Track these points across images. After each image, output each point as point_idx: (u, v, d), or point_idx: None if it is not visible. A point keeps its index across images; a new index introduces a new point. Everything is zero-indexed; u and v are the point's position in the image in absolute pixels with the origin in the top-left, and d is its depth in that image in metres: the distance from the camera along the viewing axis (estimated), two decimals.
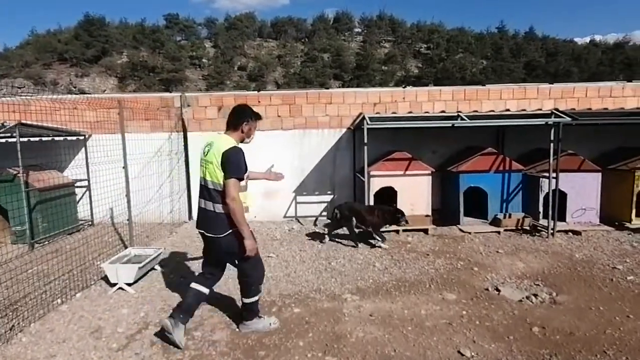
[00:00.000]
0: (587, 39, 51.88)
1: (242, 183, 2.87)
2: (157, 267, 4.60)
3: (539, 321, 3.21)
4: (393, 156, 6.07)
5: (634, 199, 5.81)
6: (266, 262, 4.79)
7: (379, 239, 5.30)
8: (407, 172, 5.97)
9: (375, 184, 5.99)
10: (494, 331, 3.09)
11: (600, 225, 5.86)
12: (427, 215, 5.96)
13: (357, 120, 6.72)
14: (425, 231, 5.88)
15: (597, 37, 57.10)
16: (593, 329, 3.07)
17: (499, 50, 45.46)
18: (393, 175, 5.95)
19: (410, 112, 6.54)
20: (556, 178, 5.47)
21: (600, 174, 5.86)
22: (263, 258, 4.86)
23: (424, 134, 6.80)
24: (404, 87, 7.15)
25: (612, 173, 6.01)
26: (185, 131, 7.13)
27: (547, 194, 5.69)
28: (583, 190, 5.86)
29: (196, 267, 4.66)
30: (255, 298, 3.07)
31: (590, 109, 6.46)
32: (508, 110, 6.53)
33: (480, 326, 3.17)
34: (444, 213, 6.60)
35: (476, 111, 6.53)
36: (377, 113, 6.64)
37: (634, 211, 5.84)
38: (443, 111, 6.59)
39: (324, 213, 7.15)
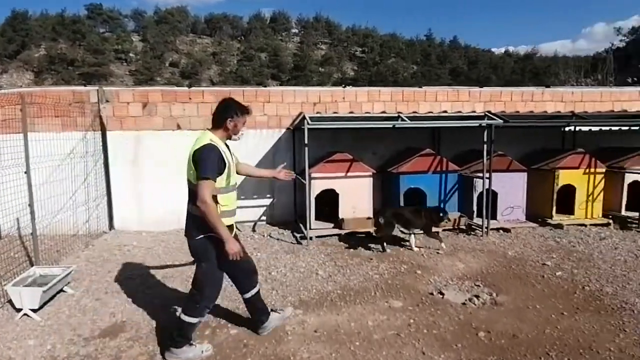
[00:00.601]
0: (502, 50, 56.99)
1: (224, 184, 2.64)
2: (67, 288, 3.92)
3: (484, 325, 3.18)
4: (334, 157, 5.89)
5: (555, 196, 6.23)
6: None
7: (437, 240, 5.14)
8: (349, 174, 5.82)
9: (317, 187, 5.76)
10: (443, 340, 2.98)
11: (527, 222, 6.20)
12: (369, 218, 5.85)
13: (297, 120, 6.45)
14: (368, 234, 5.77)
15: (511, 48, 63.04)
16: (534, 330, 3.10)
17: (428, 57, 48.18)
18: (334, 177, 5.77)
19: (351, 112, 6.42)
20: (489, 178, 5.66)
21: (526, 173, 6.20)
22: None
23: (364, 135, 6.72)
24: (343, 87, 7.01)
25: (535, 172, 6.39)
26: (104, 130, 6.32)
27: (481, 193, 5.89)
28: (511, 189, 6.15)
29: (117, 286, 4.05)
30: (195, 320, 2.74)
31: (518, 111, 6.83)
32: (445, 111, 6.68)
33: (429, 335, 3.05)
34: None
35: (415, 112, 6.59)
36: (317, 113, 6.41)
37: (554, 208, 6.26)
38: (384, 112, 6.56)
39: (263, 218, 6.77)
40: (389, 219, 5.06)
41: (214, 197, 2.52)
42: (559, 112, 6.87)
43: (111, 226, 6.43)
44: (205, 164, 2.47)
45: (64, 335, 3.12)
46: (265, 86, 7.14)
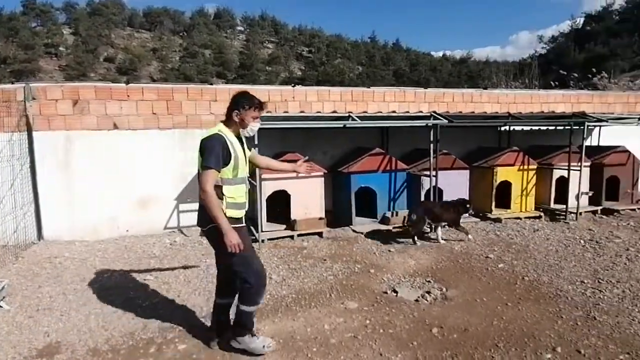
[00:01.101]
0: (441, 53, 60.10)
1: (230, 175, 2.60)
2: (3, 303, 3.54)
3: (437, 321, 3.25)
4: (285, 158, 5.75)
5: (494, 192, 6.61)
6: (142, 287, 4.02)
7: (464, 232, 5.40)
8: (300, 175, 5.72)
9: (268, 188, 5.61)
10: (399, 339, 3.00)
11: (469, 217, 6.51)
12: (320, 218, 5.82)
13: None
14: (320, 234, 5.74)
15: (448, 52, 66.68)
16: (482, 322, 3.22)
17: (372, 58, 49.50)
18: (286, 178, 5.65)
19: (302, 112, 6.33)
20: (436, 176, 5.87)
21: (468, 171, 6.52)
22: (139, 280, 4.08)
23: (315, 135, 6.68)
24: (293, 86, 6.92)
25: (476, 170, 6.74)
26: (30, 130, 5.68)
27: (428, 190, 6.09)
28: (456, 186, 6.43)
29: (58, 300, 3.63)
30: (253, 308, 2.72)
31: (460, 112, 7.17)
32: (394, 111, 6.82)
33: (385, 335, 3.06)
34: (336, 214, 6.58)
35: (365, 112, 6.66)
36: (267, 112, 6.25)
37: (494, 203, 6.64)
38: (334, 111, 6.55)
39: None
40: (421, 215, 5.28)
41: (219, 188, 2.54)
42: (496, 112, 7.31)
43: (40, 236, 5.80)
44: (209, 153, 2.48)
45: (7, 352, 2.85)
46: (210, 84, 6.82)
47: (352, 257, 4.89)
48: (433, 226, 5.56)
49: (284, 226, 5.79)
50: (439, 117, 5.79)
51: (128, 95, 5.94)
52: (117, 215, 5.99)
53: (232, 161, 2.56)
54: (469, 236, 5.42)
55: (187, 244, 5.59)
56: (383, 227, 6.01)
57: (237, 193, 2.63)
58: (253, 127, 2.71)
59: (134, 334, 3.12)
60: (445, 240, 5.41)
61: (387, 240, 5.51)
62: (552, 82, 23.43)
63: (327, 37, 53.26)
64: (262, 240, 5.35)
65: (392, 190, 6.27)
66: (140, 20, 46.04)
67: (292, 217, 5.69)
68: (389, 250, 5.11)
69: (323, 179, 5.88)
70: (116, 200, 5.97)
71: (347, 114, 5.86)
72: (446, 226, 5.62)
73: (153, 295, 3.84)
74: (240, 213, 2.69)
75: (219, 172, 2.51)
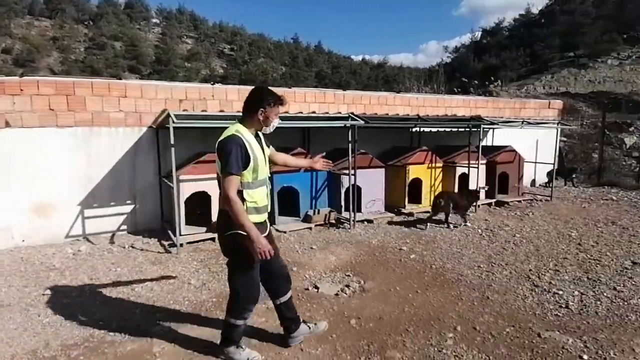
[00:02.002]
0: (360, 57, 62.76)
1: (250, 178, 2.46)
2: None
3: (355, 312, 3.43)
4: (205, 158, 5.58)
5: (407, 189, 7.12)
6: (41, 302, 3.61)
7: (464, 219, 6.28)
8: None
9: (186, 190, 5.38)
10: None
11: (386, 212, 6.94)
12: None
13: (161, 118, 5.91)
14: None
15: (367, 56, 69.95)
16: (395, 310, 3.48)
17: (295, 59, 49.89)
18: (206, 179, 5.47)
19: (221, 111, 6.17)
20: (354, 174, 6.14)
21: (384, 169, 6.93)
22: (39, 294, 3.64)
23: None
24: (212, 85, 6.71)
25: (391, 168, 7.20)
26: None
27: (347, 188, 6.35)
28: (373, 184, 6.81)
29: None
30: (238, 322, 2.64)
31: (376, 113, 7.58)
32: (314, 112, 6.97)
33: None
34: None
35: (287, 112, 6.71)
36: (184, 110, 5.99)
37: (407, 199, 7.16)
38: None
39: (124, 227, 6.01)
40: (447, 201, 6.15)
41: (240, 193, 2.40)
42: (407, 114, 7.87)
43: None
44: (229, 157, 2.33)
45: None
46: (120, 78, 6.32)
47: None
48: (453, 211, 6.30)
49: (205, 229, 5.60)
50: (356, 118, 6.07)
51: (21, 90, 5.26)
52: (10, 224, 5.28)
53: (251, 163, 2.42)
54: (468, 223, 6.27)
55: (94, 253, 5.13)
56: (306, 225, 6.13)
57: (258, 196, 2.51)
58: (274, 124, 2.58)
59: (36, 352, 2.81)
60: (470, 224, 6.30)
61: (309, 237, 5.64)
62: (455, 89, 25.91)
63: (250, 35, 52.43)
64: (181, 245, 5.12)
65: (314, 189, 6.42)
66: (41, 7, 40.81)
67: (214, 219, 5.53)
68: (312, 248, 5.24)
69: None
70: (9, 207, 5.26)
71: None
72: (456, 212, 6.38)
73: (55, 310, 3.47)
74: (262, 217, 2.58)
75: (240, 176, 2.38)
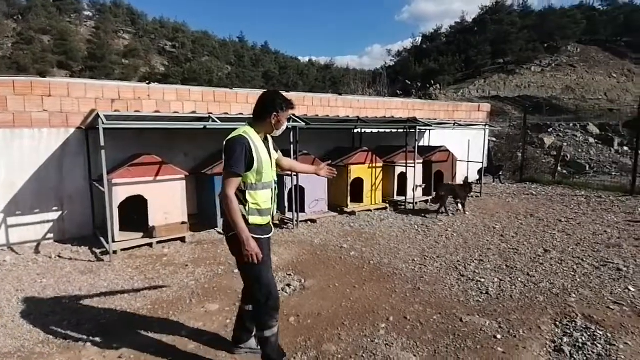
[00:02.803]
0: (307, 59, 63.19)
1: (254, 180, 2.42)
2: None
3: (294, 310, 3.50)
4: (140, 161, 5.37)
5: (349, 188, 7.34)
6: None
7: (462, 207, 7.15)
8: (158, 178, 5.41)
9: (120, 194, 5.14)
10: None
11: (329, 212, 7.11)
12: (183, 223, 5.60)
13: (91, 119, 5.58)
14: (183, 239, 5.52)
15: (314, 58, 70.55)
16: (333, 305, 3.60)
17: (241, 59, 49.07)
18: (141, 182, 5.27)
19: (157, 112, 5.96)
20: (297, 175, 6.22)
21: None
22: None
23: (175, 136, 6.38)
24: (148, 84, 6.45)
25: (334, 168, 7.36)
26: None
27: (291, 189, 6.42)
28: (316, 184, 6.93)
29: None
30: (270, 332, 2.55)
31: (317, 115, 7.72)
32: None
33: None
34: (200, 217, 6.41)
35: (227, 113, 6.63)
36: (116, 111, 5.70)
37: (349, 198, 7.38)
38: (194, 112, 6.34)
39: (50, 235, 5.60)
40: (447, 192, 7.05)
41: (242, 193, 2.40)
42: (348, 116, 8.11)
43: None
44: (232, 156, 2.33)
45: None
46: (43, 76, 5.88)
47: (216, 259, 4.85)
48: (454, 201, 7.30)
49: (142, 234, 5.39)
50: (297, 119, 6.15)
51: None
52: None
53: (255, 165, 2.38)
54: (467, 213, 7.12)
55: (19, 263, 4.74)
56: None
57: (261, 198, 2.45)
58: (283, 127, 2.55)
59: None
60: (468, 213, 7.17)
61: None
62: (398, 91, 26.97)
63: (193, 32, 50.71)
64: (114, 252, 4.88)
65: None
66: None
67: (151, 223, 5.34)
68: None
69: (184, 181, 5.67)
70: None
71: (207, 115, 5.76)
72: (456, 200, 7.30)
73: None
74: (264, 220, 2.51)
75: (242, 176, 2.36)
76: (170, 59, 43.47)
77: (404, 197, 7.66)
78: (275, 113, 2.45)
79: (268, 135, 2.57)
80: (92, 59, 35.37)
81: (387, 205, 7.61)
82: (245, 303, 2.75)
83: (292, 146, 6.12)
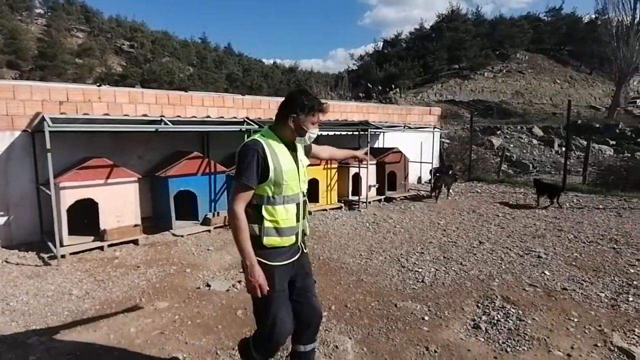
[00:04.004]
0: (272, 61, 63.11)
1: (270, 192, 2.06)
2: None
3: (242, 304, 3.66)
4: (89, 163, 5.33)
5: None
6: None
7: (447, 191, 8.94)
8: (109, 181, 5.40)
9: (69, 197, 5.09)
10: (205, 326, 3.28)
11: None
12: (136, 225, 5.60)
13: (37, 121, 5.48)
14: (136, 242, 5.52)
15: (278, 61, 70.57)
16: None
17: (204, 60, 48.26)
18: (91, 185, 5.24)
19: (107, 114, 5.93)
20: None
21: None
22: None
23: (128, 139, 6.36)
24: (98, 85, 6.39)
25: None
26: None
27: None
28: None
29: None
30: (256, 357, 2.23)
31: (271, 118, 7.88)
32: (209, 116, 7.04)
33: (193, 325, 3.30)
34: (155, 220, 6.42)
35: (179, 116, 6.67)
36: (63, 114, 5.62)
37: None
38: (145, 115, 6.35)
39: None
40: (441, 182, 8.43)
41: (257, 209, 2.05)
42: None
43: None
44: (241, 165, 2.01)
45: None
46: None
47: (169, 260, 4.92)
48: (444, 188, 8.74)
49: (92, 238, 5.35)
50: (251, 123, 6.32)
51: None
52: None
53: (270, 175, 2.01)
54: (452, 193, 9.02)
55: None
56: (204, 228, 6.18)
57: (280, 215, 2.06)
58: (312, 134, 2.17)
59: None
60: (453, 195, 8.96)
61: (207, 239, 5.73)
62: (360, 94, 27.63)
63: (152, 32, 49.27)
64: (63, 256, 4.83)
65: (213, 192, 6.50)
66: None
67: (102, 227, 5.32)
68: (208, 249, 5.34)
69: (137, 184, 5.68)
70: None
71: (159, 118, 5.80)
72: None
73: None
74: (284, 241, 2.08)
75: (253, 188, 2.01)
76: (128, 59, 42.04)
77: (358, 197, 7.99)
78: (294, 115, 2.08)
79: (296, 143, 2.20)
80: (42, 58, 33.56)
81: (342, 205, 7.92)
82: (298, 343, 2.31)
83: None
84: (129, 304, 3.68)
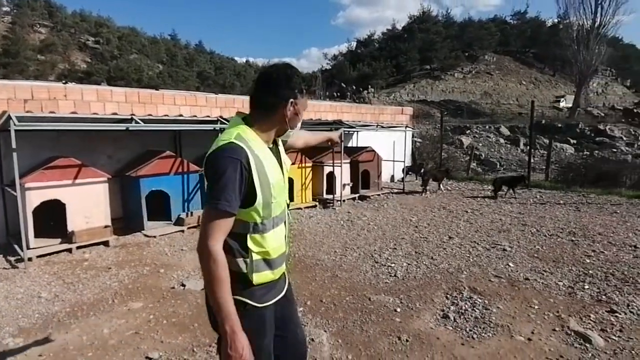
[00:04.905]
0: (244, 59, 62.44)
1: (258, 218, 1.48)
2: None
3: None
4: (56, 163, 5.17)
5: None
6: None
7: (439, 186, 9.67)
8: (78, 181, 5.25)
9: (35, 198, 4.92)
10: (181, 325, 3.28)
11: None
12: (106, 226, 5.48)
13: (2, 121, 5.25)
14: (106, 243, 5.40)
15: (251, 59, 69.86)
16: None
17: (174, 57, 47.18)
18: (59, 185, 5.08)
19: (74, 113, 5.75)
20: None
21: None
22: None
23: (97, 138, 6.20)
24: (64, 83, 6.19)
25: None
26: None
27: None
28: None
29: None
30: None
31: None
32: (181, 115, 6.95)
33: (168, 324, 3.29)
34: (126, 220, 6.29)
35: (151, 115, 6.56)
36: (28, 112, 5.42)
37: None
38: (115, 113, 6.20)
39: None
40: (429, 175, 9.33)
41: (241, 240, 1.47)
42: None
43: None
44: (217, 182, 1.36)
45: None
46: None
47: (141, 261, 4.85)
48: (433, 182, 9.55)
49: (60, 240, 5.19)
50: (225, 121, 6.29)
51: None
52: None
53: (259, 196, 1.44)
54: (441, 191, 9.51)
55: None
56: (178, 228, 6.11)
57: (272, 243, 1.54)
58: (299, 123, 1.64)
59: None
60: (442, 189, 9.65)
61: (181, 240, 5.67)
62: (335, 93, 27.81)
63: (119, 28, 47.69)
64: (30, 259, 4.67)
65: (186, 191, 6.43)
66: None
67: (70, 228, 5.17)
68: (182, 249, 5.29)
69: (107, 184, 5.55)
70: None
71: (129, 117, 5.69)
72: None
73: None
74: (277, 273, 1.59)
75: (235, 214, 1.40)
76: (93, 56, 40.53)
77: (332, 195, 8.09)
78: (292, 100, 1.52)
79: (277, 139, 1.65)
80: (6, 56, 31.91)
81: (317, 203, 8.00)
82: None
83: None
84: (101, 306, 3.62)
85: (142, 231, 5.91)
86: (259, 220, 1.48)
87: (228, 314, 1.36)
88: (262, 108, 1.52)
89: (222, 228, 1.37)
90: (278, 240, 1.57)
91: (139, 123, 5.46)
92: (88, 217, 5.34)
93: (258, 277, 1.50)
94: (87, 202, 5.33)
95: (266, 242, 1.51)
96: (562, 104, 31.94)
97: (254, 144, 1.46)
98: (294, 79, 1.52)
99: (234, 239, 1.46)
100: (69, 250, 5.06)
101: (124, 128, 5.36)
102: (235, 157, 1.38)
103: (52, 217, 5.27)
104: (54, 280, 4.21)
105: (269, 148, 1.55)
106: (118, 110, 6.36)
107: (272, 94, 1.50)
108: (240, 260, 1.47)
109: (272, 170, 1.49)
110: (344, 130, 8.18)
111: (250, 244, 1.48)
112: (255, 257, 1.49)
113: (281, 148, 1.69)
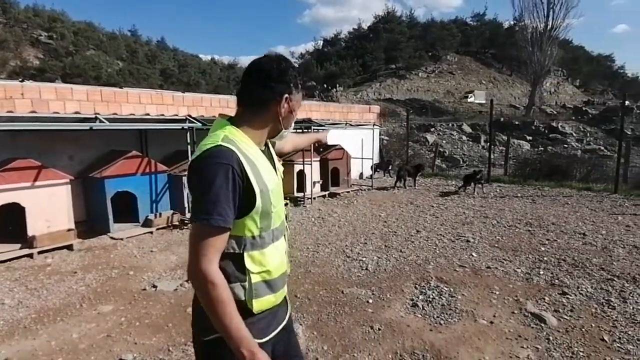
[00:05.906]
0: (210, 57, 61.20)
1: (256, 230, 1.28)
2: None
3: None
4: (14, 165, 4.92)
5: None
6: None
7: (413, 182, 10.02)
8: (37, 183, 5.03)
9: None
10: (155, 325, 3.25)
11: None
12: (69, 230, 5.28)
13: None
14: (70, 247, 5.21)
15: (216, 57, 68.59)
16: None
17: (135, 54, 45.49)
18: (16, 188, 4.85)
19: (33, 112, 5.50)
20: None
21: None
22: None
23: (57, 138, 5.94)
24: (21, 81, 5.89)
25: None
26: None
27: None
28: None
29: None
30: None
31: (214, 116, 7.80)
32: (148, 114, 6.79)
33: (141, 326, 3.25)
34: (91, 223, 6.08)
35: (116, 114, 6.37)
36: None
37: None
38: (77, 112, 5.98)
39: None
40: (404, 172, 9.73)
41: (237, 259, 1.25)
42: None
43: None
44: (205, 193, 1.15)
45: None
46: None
47: (109, 264, 4.72)
48: (407, 178, 9.86)
49: (19, 245, 4.95)
50: (193, 120, 6.21)
51: None
52: None
53: (258, 202, 1.24)
54: (416, 186, 9.84)
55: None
56: (146, 229, 5.98)
57: (272, 260, 1.32)
58: (293, 122, 1.45)
59: None
60: (412, 186, 9.90)
61: (150, 241, 5.56)
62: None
63: (74, 23, 45.35)
64: None
65: (154, 192, 6.30)
66: None
67: (30, 233, 4.95)
68: (152, 251, 5.20)
69: (69, 186, 5.35)
70: None
71: (93, 116, 5.50)
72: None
73: None
74: (279, 297, 1.37)
75: (230, 229, 1.20)
76: (46, 52, 38.34)
77: (303, 193, 8.17)
78: (287, 95, 1.32)
79: (269, 141, 1.45)
80: None
81: (288, 202, 8.01)
82: None
83: (189, 147, 6.16)
84: (69, 311, 3.52)
85: (108, 234, 5.74)
86: (256, 232, 1.26)
87: (240, 337, 1.14)
88: (252, 105, 1.31)
89: (217, 246, 1.16)
90: (279, 257, 1.35)
91: (104, 122, 5.30)
92: (49, 220, 5.12)
93: (259, 304, 1.27)
94: (48, 204, 5.12)
95: (266, 259, 1.29)
96: (471, 99, 33.26)
97: (245, 145, 1.25)
98: (288, 71, 1.31)
99: (228, 261, 1.23)
100: (30, 256, 4.84)
101: (88, 127, 5.19)
102: (225, 162, 1.17)
103: (10, 222, 5.02)
104: (17, 287, 4.03)
105: (263, 151, 1.35)
106: (80, 109, 6.12)
107: (264, 88, 1.29)
108: (236, 286, 1.23)
109: (267, 174, 1.29)
110: (313, 129, 8.27)
111: (248, 263, 1.25)
112: (254, 279, 1.26)
113: (272, 150, 1.48)
